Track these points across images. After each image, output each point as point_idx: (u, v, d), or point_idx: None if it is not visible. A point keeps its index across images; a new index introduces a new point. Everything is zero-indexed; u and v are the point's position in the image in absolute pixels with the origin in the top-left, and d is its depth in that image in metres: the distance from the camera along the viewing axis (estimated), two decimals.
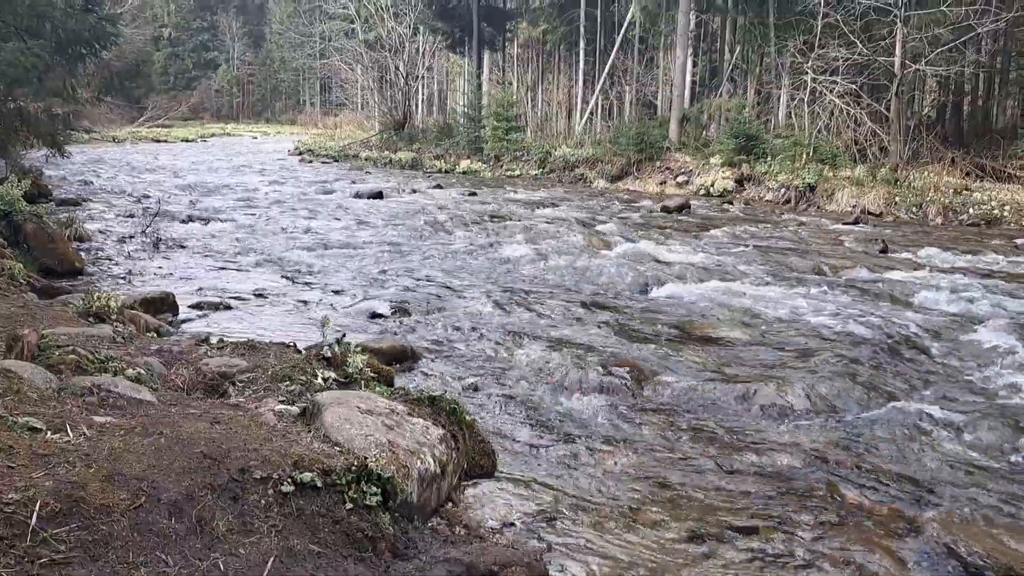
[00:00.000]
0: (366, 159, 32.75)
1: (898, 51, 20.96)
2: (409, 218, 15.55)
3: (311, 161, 33.10)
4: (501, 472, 4.48)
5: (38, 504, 2.43)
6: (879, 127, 21.90)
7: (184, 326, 7.26)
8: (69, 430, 3.05)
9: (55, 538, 2.37)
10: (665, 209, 18.16)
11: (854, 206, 18.67)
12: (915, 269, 11.20)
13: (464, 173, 28.40)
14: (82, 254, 10.21)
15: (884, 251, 13.03)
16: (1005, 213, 16.97)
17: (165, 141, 43.11)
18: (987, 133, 24.32)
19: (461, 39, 38.97)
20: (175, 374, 4.47)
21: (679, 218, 17.16)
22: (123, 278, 9.47)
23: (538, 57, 40.67)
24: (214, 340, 5.45)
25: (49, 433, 3.00)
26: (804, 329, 7.87)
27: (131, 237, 12.17)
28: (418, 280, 9.90)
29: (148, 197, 17.46)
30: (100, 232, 12.42)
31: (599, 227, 14.73)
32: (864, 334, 7.58)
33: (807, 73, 23.05)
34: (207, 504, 2.77)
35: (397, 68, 35.86)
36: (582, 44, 33.92)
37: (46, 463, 2.72)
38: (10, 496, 2.43)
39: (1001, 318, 8.14)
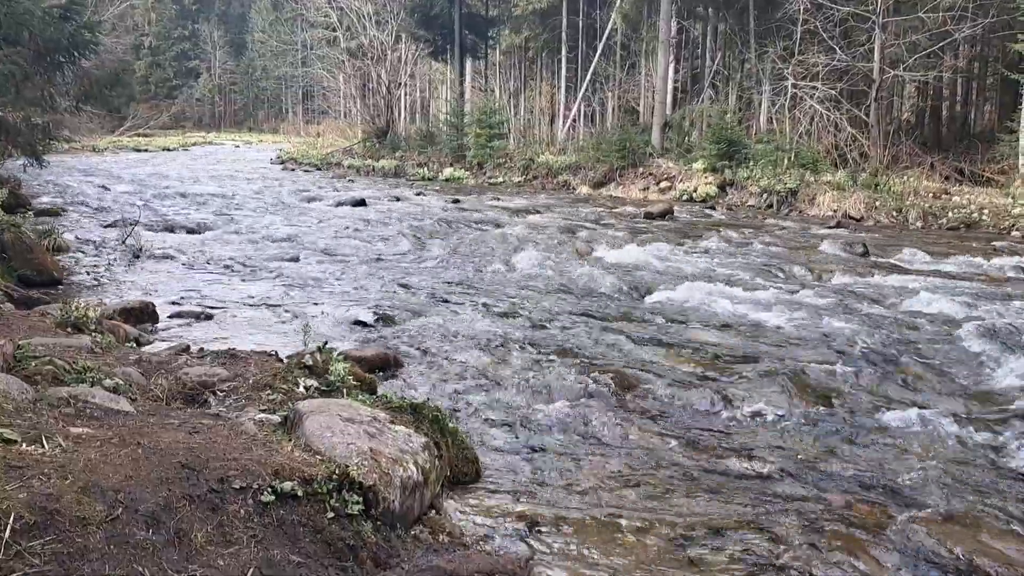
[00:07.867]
0: (349, 167, 32.67)
1: (877, 57, 21.18)
2: (392, 226, 15.51)
3: (294, 169, 33.01)
4: (485, 480, 4.45)
5: (12, 517, 2.39)
6: (859, 132, 22.10)
7: (164, 335, 7.19)
8: (45, 441, 3.00)
9: (29, 551, 2.32)
10: (648, 215, 18.20)
11: (835, 210, 18.82)
12: (896, 272, 11.29)
13: (447, 180, 28.39)
14: (61, 264, 10.10)
15: (865, 255, 13.13)
16: (984, 217, 17.14)
17: (146, 150, 42.77)
18: (965, 137, 24.60)
19: (443, 47, 39.01)
20: (154, 384, 4.42)
21: (662, 224, 17.21)
22: (102, 288, 9.38)
23: (520, 64, 40.82)
24: (194, 349, 5.40)
25: (24, 444, 2.95)
26: (787, 333, 7.90)
27: (111, 246, 12.06)
28: (401, 288, 9.86)
29: (128, 206, 17.32)
30: (79, 242, 12.30)
31: (582, 233, 14.75)
32: (846, 337, 7.62)
33: (788, 79, 23.24)
34: (185, 515, 2.73)
35: (379, 76, 35.81)
36: (564, 51, 34.08)
37: (20, 475, 2.67)
38: None
39: (981, 320, 8.21)
